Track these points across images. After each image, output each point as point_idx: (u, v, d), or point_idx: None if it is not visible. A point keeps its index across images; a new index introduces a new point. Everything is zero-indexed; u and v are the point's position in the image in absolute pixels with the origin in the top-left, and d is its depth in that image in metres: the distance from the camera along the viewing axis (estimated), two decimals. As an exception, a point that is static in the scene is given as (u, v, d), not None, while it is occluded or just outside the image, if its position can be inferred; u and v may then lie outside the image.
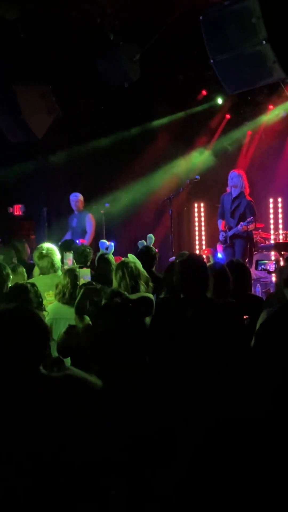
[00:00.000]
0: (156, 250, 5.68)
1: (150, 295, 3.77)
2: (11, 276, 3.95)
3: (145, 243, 6.56)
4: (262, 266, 6.85)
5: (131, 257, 4.27)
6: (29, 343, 2.08)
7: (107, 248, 5.51)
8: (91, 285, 3.16)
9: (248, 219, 7.32)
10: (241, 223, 7.30)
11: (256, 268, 7.04)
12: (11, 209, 9.65)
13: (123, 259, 4.17)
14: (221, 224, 7.72)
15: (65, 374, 2.16)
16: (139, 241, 6.56)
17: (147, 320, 3.50)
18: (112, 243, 6.35)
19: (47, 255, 4.52)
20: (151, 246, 5.74)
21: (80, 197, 8.34)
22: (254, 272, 7.20)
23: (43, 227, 9.55)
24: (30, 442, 2.01)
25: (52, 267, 4.49)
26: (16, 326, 2.10)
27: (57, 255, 4.60)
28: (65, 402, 2.07)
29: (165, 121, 9.06)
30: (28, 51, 7.13)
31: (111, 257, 4.94)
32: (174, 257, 5.86)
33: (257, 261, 7.06)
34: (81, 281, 3.40)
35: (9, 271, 3.87)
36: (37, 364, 2.10)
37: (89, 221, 8.18)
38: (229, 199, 7.56)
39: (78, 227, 8.25)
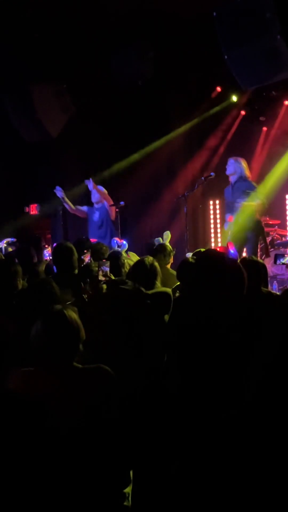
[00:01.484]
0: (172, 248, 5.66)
1: (168, 290, 3.75)
2: (20, 272, 3.87)
3: (161, 240, 6.56)
4: (281, 260, 6.78)
5: (132, 256, 4.27)
6: (61, 341, 2.30)
7: (119, 246, 5.52)
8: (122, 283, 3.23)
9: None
10: (238, 199, 6.99)
11: (275, 262, 6.96)
12: (27, 209, 9.71)
13: (142, 258, 4.15)
14: (228, 217, 7.36)
15: (96, 366, 2.36)
16: (156, 238, 6.57)
17: (166, 317, 3.50)
18: (125, 241, 6.36)
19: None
20: (166, 243, 5.72)
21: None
22: (270, 269, 7.15)
23: (59, 226, 9.60)
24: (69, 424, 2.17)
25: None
26: (49, 326, 2.32)
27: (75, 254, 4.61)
28: (96, 390, 2.27)
29: (181, 123, 9.05)
30: (42, 50, 7.16)
31: (124, 255, 4.94)
32: (188, 254, 5.84)
33: (276, 255, 6.99)
34: (100, 274, 3.43)
35: (18, 268, 3.80)
36: (70, 359, 2.31)
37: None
38: (229, 189, 7.29)
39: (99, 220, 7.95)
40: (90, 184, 7.54)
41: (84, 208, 7.98)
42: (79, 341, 2.35)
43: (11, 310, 3.02)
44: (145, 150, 9.09)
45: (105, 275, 3.38)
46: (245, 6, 5.84)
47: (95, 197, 7.80)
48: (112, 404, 2.28)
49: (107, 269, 3.43)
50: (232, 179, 7.17)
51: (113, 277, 3.93)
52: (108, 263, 3.56)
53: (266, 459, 2.17)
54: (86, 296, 3.32)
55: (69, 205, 7.88)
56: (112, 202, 7.83)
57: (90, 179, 7.50)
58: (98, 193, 7.63)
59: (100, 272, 3.41)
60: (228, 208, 7.44)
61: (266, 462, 2.17)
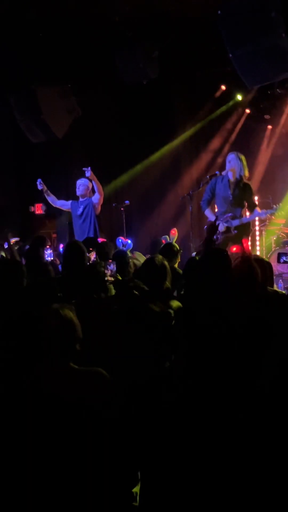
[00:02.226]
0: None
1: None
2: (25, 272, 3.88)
3: (168, 239, 6.57)
4: (284, 258, 6.77)
5: (139, 256, 4.28)
6: (56, 341, 2.30)
7: (124, 246, 5.52)
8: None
9: (276, 206, 6.84)
10: (264, 210, 6.81)
11: (278, 261, 6.94)
12: (32, 208, 9.74)
13: (152, 256, 4.15)
14: (210, 212, 7.00)
15: (92, 369, 2.35)
16: (163, 236, 6.56)
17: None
18: (129, 241, 6.36)
19: None
20: (173, 242, 5.73)
21: (88, 182, 7.55)
22: (276, 268, 7.14)
23: (65, 226, 9.62)
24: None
25: None
26: (47, 326, 2.32)
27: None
28: (92, 392, 2.27)
29: (186, 122, 9.05)
30: (47, 51, 7.17)
31: (128, 254, 4.95)
32: (194, 253, 5.85)
33: (279, 254, 6.98)
34: (107, 274, 3.44)
35: (24, 268, 3.81)
36: (67, 359, 2.31)
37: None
38: (224, 183, 6.81)
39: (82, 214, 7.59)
40: (88, 172, 7.21)
41: (68, 202, 7.74)
42: (75, 341, 2.34)
43: (18, 308, 3.03)
44: (151, 148, 9.10)
45: (112, 275, 3.39)
46: (250, 5, 5.82)
47: (80, 190, 7.52)
48: (109, 406, 2.28)
49: (114, 269, 3.44)
50: (230, 176, 6.79)
51: (119, 277, 3.94)
52: (114, 263, 3.57)
53: (270, 463, 2.17)
54: (96, 296, 3.33)
55: (52, 197, 7.69)
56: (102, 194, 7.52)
57: (89, 168, 7.29)
58: (96, 183, 7.42)
59: (108, 272, 3.42)
60: (209, 203, 7.08)
61: (271, 465, 2.17)
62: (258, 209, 6.81)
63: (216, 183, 6.91)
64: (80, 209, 7.52)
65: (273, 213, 6.99)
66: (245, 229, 6.76)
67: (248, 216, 6.88)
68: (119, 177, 9.39)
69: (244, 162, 6.83)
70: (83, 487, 2.19)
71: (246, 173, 6.87)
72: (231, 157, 6.85)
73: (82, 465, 2.19)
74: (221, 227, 6.71)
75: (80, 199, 7.58)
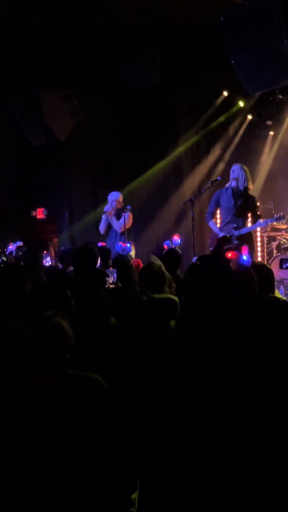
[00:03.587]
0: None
1: (175, 298, 3.74)
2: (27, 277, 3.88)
3: (171, 244, 6.56)
4: (287, 264, 6.75)
5: (153, 259, 4.27)
6: (47, 348, 2.32)
7: (123, 250, 5.51)
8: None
9: (278, 215, 6.81)
10: (265, 219, 6.80)
11: (281, 267, 6.92)
12: (34, 213, 9.75)
13: (149, 263, 4.14)
14: (214, 224, 7.14)
15: (85, 374, 2.36)
16: (166, 241, 6.55)
17: (172, 323, 3.49)
18: (128, 245, 6.35)
19: None
20: (176, 248, 5.72)
21: (119, 197, 7.74)
22: (277, 274, 7.13)
23: (66, 230, 9.62)
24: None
25: None
26: (42, 334, 2.35)
27: None
28: (86, 397, 2.28)
29: (188, 128, 9.05)
30: (50, 55, 7.20)
31: (128, 258, 4.94)
32: (195, 258, 5.84)
33: (281, 259, 6.96)
34: (109, 281, 3.43)
35: (26, 272, 3.82)
36: (59, 365, 2.31)
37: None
38: (228, 194, 6.88)
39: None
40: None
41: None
42: (67, 349, 2.35)
43: (21, 314, 3.02)
44: (153, 153, 9.10)
45: (113, 283, 3.37)
46: (252, 11, 5.83)
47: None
48: (103, 412, 2.27)
49: (115, 276, 3.43)
50: (233, 184, 6.85)
51: (120, 285, 3.93)
52: (115, 271, 3.56)
53: (266, 467, 2.15)
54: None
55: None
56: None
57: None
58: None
59: (110, 279, 3.41)
60: (214, 215, 7.21)
61: (267, 469, 2.15)
62: (260, 220, 6.82)
63: (220, 194, 6.99)
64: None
65: (273, 222, 6.99)
66: (246, 239, 6.74)
67: (249, 226, 6.87)
68: (120, 182, 9.39)
69: (248, 175, 6.87)
70: (81, 493, 2.17)
71: (250, 186, 6.90)
72: (235, 167, 6.91)
73: (79, 471, 2.18)
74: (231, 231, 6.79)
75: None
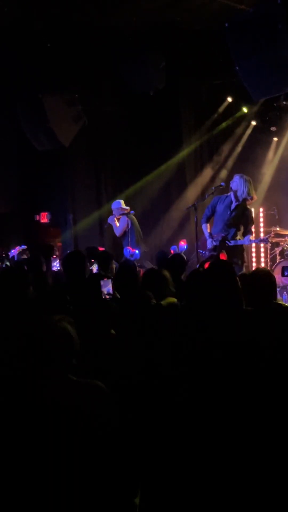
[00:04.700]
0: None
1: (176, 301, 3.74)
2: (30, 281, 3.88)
3: (177, 249, 6.58)
4: None
5: (147, 264, 4.25)
6: (55, 354, 2.28)
7: (132, 256, 5.52)
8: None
9: (263, 238, 6.82)
10: (250, 239, 6.74)
11: (283, 275, 6.92)
12: (37, 217, 9.76)
13: (152, 268, 4.15)
14: (206, 228, 7.04)
15: (90, 381, 2.33)
16: (172, 246, 6.56)
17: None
18: (137, 251, 6.35)
19: None
20: (181, 253, 5.72)
21: (119, 204, 7.89)
22: (280, 280, 7.12)
23: (70, 234, 9.63)
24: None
25: None
26: (46, 338, 2.30)
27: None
28: (90, 403, 2.24)
29: (192, 133, 9.07)
30: (55, 60, 7.22)
31: (135, 265, 4.94)
32: (198, 265, 5.84)
33: (283, 267, 6.95)
34: (103, 292, 3.42)
35: (29, 277, 3.81)
36: (65, 371, 2.28)
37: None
38: (225, 203, 6.83)
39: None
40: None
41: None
42: (73, 354, 2.32)
43: (23, 319, 3.02)
44: (156, 158, 9.12)
45: (108, 293, 3.34)
46: (257, 18, 5.85)
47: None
48: (107, 418, 2.26)
49: (110, 290, 3.41)
50: (232, 197, 6.78)
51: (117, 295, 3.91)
52: (110, 283, 3.52)
53: (275, 479, 2.15)
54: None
55: None
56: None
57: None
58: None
59: (104, 290, 3.39)
60: (208, 219, 7.11)
61: (276, 482, 2.14)
62: (251, 237, 6.78)
63: (218, 201, 6.94)
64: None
65: (257, 242, 7.03)
66: (234, 251, 6.67)
67: (237, 240, 6.77)
68: (124, 186, 9.40)
69: (249, 186, 6.79)
70: (83, 498, 2.17)
71: (253, 195, 6.83)
72: (236, 178, 6.87)
73: (81, 475, 2.18)
74: (209, 245, 6.78)
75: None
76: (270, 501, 2.14)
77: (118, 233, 7.75)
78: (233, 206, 6.79)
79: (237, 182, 6.79)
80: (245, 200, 6.77)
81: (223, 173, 9.21)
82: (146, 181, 9.22)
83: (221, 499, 2.17)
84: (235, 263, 6.39)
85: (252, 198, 6.84)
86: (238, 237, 6.75)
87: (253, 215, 7.05)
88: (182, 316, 3.37)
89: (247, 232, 6.80)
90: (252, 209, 7.19)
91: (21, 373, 2.36)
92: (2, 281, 3.52)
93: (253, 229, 6.98)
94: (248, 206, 6.88)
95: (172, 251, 6.87)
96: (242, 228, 6.79)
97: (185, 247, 6.81)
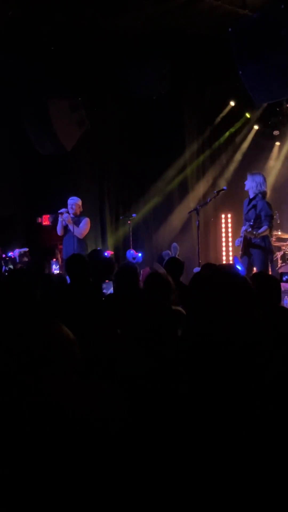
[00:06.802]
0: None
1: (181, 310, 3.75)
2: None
3: (170, 253, 6.57)
4: (286, 277, 6.76)
5: (157, 266, 4.27)
6: (58, 355, 2.29)
7: (134, 258, 5.52)
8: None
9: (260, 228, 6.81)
10: (244, 227, 6.82)
11: (281, 280, 6.92)
12: (39, 219, 9.77)
13: (154, 271, 4.16)
14: (243, 231, 7.10)
15: (92, 381, 2.34)
16: (164, 252, 6.56)
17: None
18: (140, 254, 6.36)
19: None
20: (177, 256, 5.72)
21: (78, 201, 7.77)
22: (282, 284, 7.12)
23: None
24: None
25: None
26: (46, 339, 2.31)
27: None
28: (93, 404, 2.23)
29: (195, 137, 9.09)
30: (59, 64, 7.25)
31: (137, 268, 4.95)
32: (198, 268, 5.85)
33: (281, 273, 6.96)
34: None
35: (34, 279, 3.81)
36: (68, 371, 2.28)
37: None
38: (245, 204, 7.07)
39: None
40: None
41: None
42: (74, 356, 2.34)
43: (31, 321, 3.03)
44: (159, 163, 9.14)
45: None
46: (260, 23, 5.88)
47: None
48: (110, 419, 2.26)
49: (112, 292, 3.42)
50: (250, 194, 6.97)
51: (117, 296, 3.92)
52: (110, 285, 3.54)
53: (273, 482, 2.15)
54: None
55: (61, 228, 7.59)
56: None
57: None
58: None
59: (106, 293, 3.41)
60: (245, 219, 7.13)
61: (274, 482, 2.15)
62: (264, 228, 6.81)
63: (244, 203, 7.10)
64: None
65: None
66: (256, 246, 6.81)
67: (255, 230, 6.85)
68: (126, 190, 9.42)
69: (259, 180, 6.88)
70: (82, 497, 2.18)
71: (266, 188, 6.95)
72: (247, 177, 6.99)
73: (83, 477, 2.18)
74: (237, 243, 6.92)
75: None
76: (270, 501, 2.15)
77: (79, 234, 7.49)
78: (249, 203, 6.94)
79: (248, 183, 6.93)
80: (260, 192, 6.85)
81: (226, 177, 9.23)
82: (148, 184, 9.24)
83: (221, 499, 2.18)
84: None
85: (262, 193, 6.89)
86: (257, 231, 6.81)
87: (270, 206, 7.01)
88: (189, 319, 3.38)
89: (262, 222, 6.83)
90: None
91: (21, 373, 2.37)
92: (11, 282, 3.53)
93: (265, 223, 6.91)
94: (265, 199, 6.91)
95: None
96: (261, 220, 6.85)
97: (177, 249, 6.80)
